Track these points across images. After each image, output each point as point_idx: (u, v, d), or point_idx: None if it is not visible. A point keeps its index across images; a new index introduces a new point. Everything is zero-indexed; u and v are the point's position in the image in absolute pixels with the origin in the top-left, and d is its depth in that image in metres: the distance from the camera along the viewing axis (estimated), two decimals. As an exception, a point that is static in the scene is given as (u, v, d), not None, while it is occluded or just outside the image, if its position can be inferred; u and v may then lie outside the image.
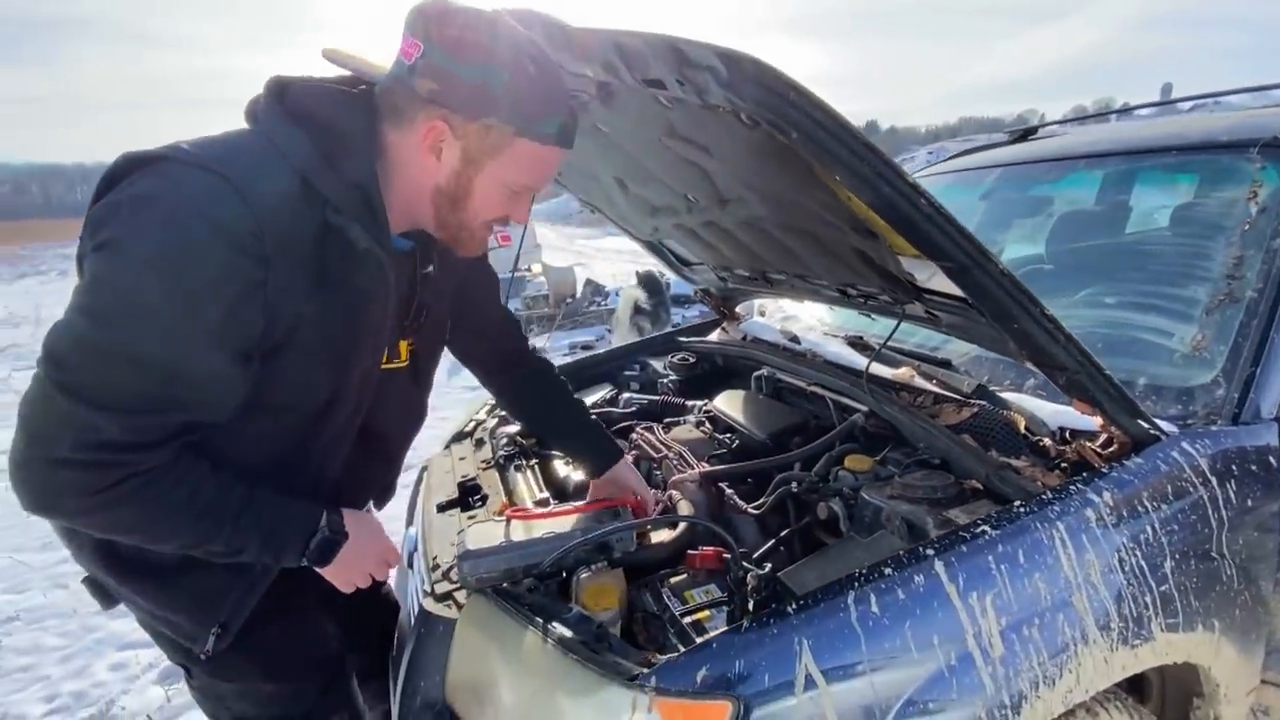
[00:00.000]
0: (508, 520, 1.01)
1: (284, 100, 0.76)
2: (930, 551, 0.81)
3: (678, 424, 1.53)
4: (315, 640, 0.98)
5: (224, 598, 0.84)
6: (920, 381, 1.28)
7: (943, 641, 0.76)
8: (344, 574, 0.88)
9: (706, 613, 0.92)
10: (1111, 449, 0.97)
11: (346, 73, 0.84)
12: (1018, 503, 0.89)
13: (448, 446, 1.59)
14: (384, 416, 0.95)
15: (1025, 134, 2.10)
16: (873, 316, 1.38)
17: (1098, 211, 1.80)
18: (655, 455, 1.37)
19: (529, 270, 8.05)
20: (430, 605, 0.99)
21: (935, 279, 1.02)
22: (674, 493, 1.22)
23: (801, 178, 0.94)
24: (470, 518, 1.21)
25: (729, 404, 1.54)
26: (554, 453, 1.42)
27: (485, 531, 1.00)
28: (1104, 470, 0.93)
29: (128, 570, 0.82)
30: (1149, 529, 0.91)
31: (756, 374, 1.61)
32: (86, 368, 0.66)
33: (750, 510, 1.19)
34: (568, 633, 0.82)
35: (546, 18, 0.80)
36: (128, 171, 0.70)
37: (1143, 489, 0.92)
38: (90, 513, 0.71)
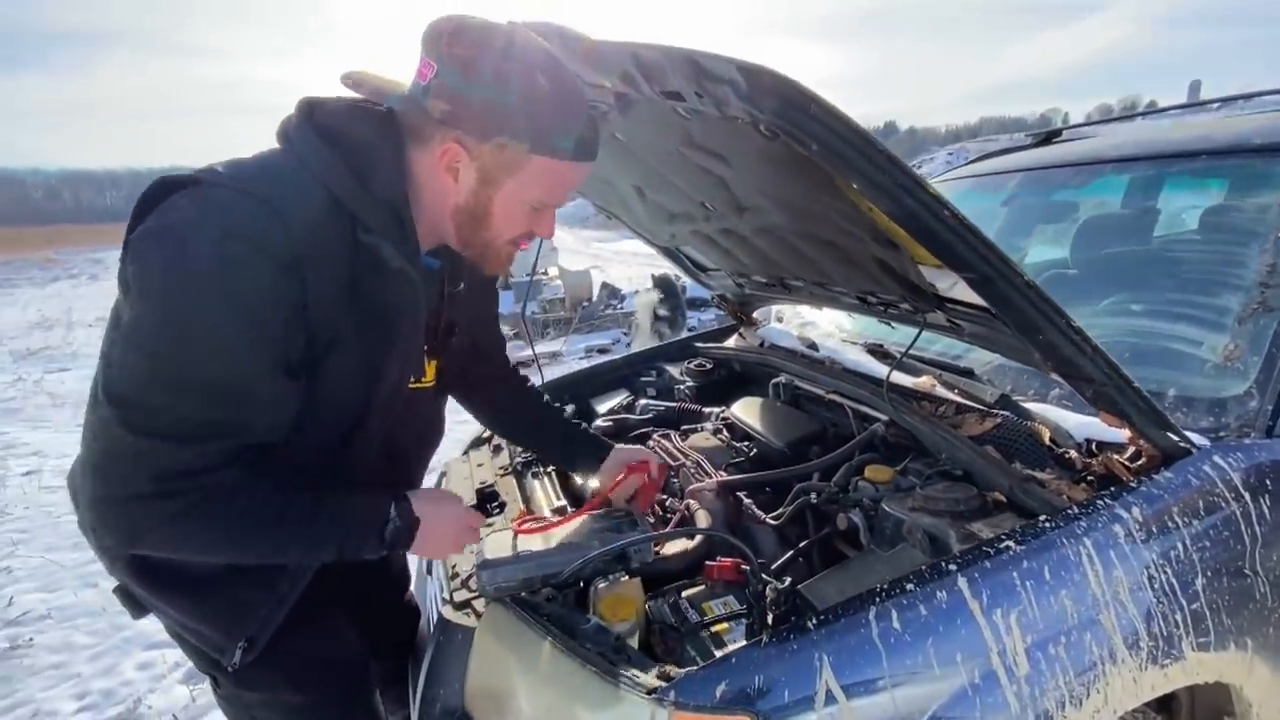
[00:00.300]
0: (515, 533, 1.01)
1: (313, 118, 0.77)
2: (953, 567, 0.80)
3: (695, 431, 1.53)
4: (340, 651, 0.99)
5: (253, 612, 0.85)
6: (942, 391, 1.27)
7: (966, 659, 0.75)
8: (431, 550, 0.91)
9: (725, 625, 0.91)
10: (1140, 462, 0.95)
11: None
12: (1043, 517, 0.88)
13: (466, 452, 1.60)
14: (406, 433, 0.95)
15: (1048, 137, 2.06)
16: (893, 324, 1.37)
17: (1123, 216, 1.76)
18: (672, 463, 1.37)
19: (545, 274, 8.10)
20: (449, 613, 1.00)
21: (957, 288, 1.00)
22: (691, 502, 1.21)
23: (821, 187, 0.94)
24: (488, 525, 1.22)
25: (746, 411, 1.53)
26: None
27: (504, 540, 1.00)
28: (1132, 484, 0.91)
29: (159, 582, 0.83)
30: (1179, 545, 0.88)
31: (774, 381, 1.60)
32: (152, 403, 0.68)
33: (769, 520, 1.18)
34: (586, 644, 0.83)
35: (564, 29, 0.80)
36: (164, 194, 0.71)
37: (1173, 504, 0.90)
38: (174, 540, 0.73)
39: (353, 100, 0.80)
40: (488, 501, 1.30)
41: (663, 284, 6.33)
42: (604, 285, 7.95)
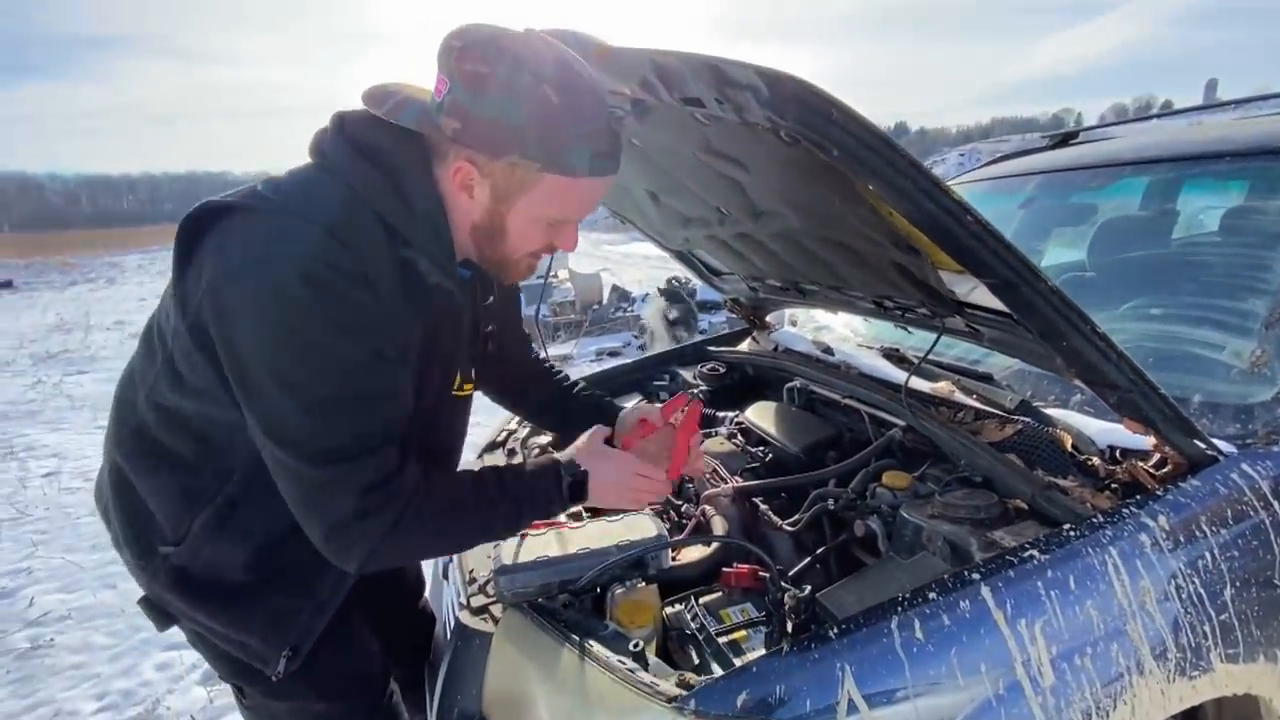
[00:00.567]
0: (520, 539, 1.01)
1: (345, 132, 0.77)
2: (976, 575, 0.79)
3: (709, 436, 1.52)
4: (364, 659, 1.00)
5: (294, 620, 0.86)
6: (960, 396, 1.26)
7: (990, 669, 0.74)
8: (613, 500, 0.93)
9: (743, 632, 0.91)
10: (1166, 470, 0.94)
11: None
12: (1067, 526, 0.86)
13: (480, 455, 1.61)
14: (438, 440, 0.96)
15: (1065, 139, 2.04)
16: (909, 329, 1.36)
17: (1142, 219, 1.74)
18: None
19: (555, 276, 8.13)
20: (466, 618, 1.00)
21: (977, 293, 0.99)
22: (707, 508, 1.21)
23: (840, 193, 0.93)
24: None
25: (761, 416, 1.53)
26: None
27: (521, 545, 1.00)
28: (1158, 492, 0.90)
29: (201, 595, 0.84)
30: (1207, 555, 0.87)
31: (788, 385, 1.59)
32: (318, 434, 0.71)
33: (785, 526, 1.18)
34: (604, 650, 0.82)
35: (582, 36, 0.80)
36: (209, 220, 0.72)
37: (1200, 512, 0.88)
38: (403, 547, 0.77)
39: (373, 115, 0.79)
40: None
41: (670, 294, 6.36)
42: (614, 288, 7.96)
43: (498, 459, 1.55)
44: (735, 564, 1.01)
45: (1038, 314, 0.82)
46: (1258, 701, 0.94)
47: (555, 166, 0.75)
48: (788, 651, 0.74)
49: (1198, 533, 0.87)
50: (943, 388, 1.29)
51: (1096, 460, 1.01)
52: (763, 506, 1.22)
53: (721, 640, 0.89)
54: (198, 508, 0.81)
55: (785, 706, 0.70)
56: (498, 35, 0.71)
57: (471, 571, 1.10)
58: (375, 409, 0.73)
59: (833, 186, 0.92)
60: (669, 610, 0.97)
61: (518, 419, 1.72)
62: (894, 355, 1.50)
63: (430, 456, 0.95)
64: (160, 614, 0.88)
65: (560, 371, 1.27)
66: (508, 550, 0.99)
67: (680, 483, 1.36)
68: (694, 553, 1.07)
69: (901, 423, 1.25)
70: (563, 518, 1.20)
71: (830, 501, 1.17)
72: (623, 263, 13.37)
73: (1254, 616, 0.88)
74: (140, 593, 0.89)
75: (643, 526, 1.04)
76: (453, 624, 1.04)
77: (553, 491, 0.86)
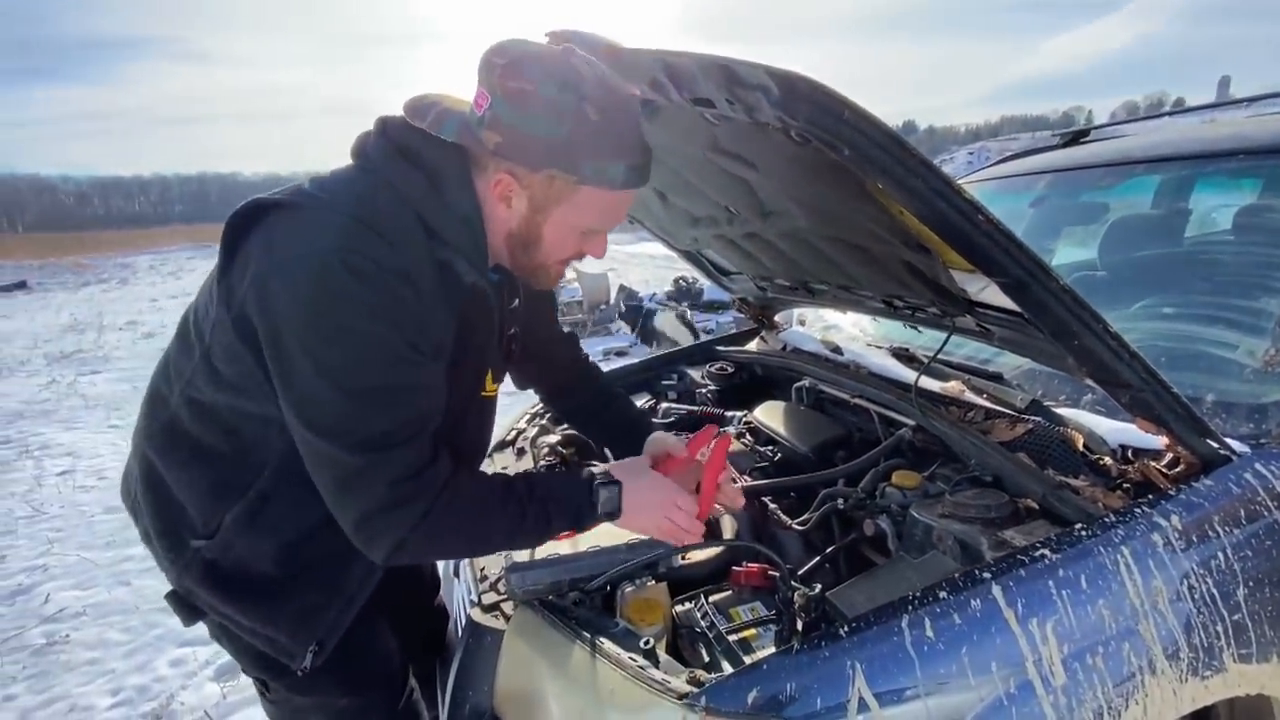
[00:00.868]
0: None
1: (387, 135, 0.79)
2: (987, 574, 0.79)
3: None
4: (387, 655, 1.01)
5: (322, 615, 0.87)
6: (970, 396, 1.25)
7: (1001, 668, 0.74)
8: (644, 522, 0.90)
9: (753, 631, 0.92)
10: (1179, 469, 0.93)
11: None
12: (1079, 525, 0.86)
13: (490, 455, 1.62)
14: (465, 438, 0.96)
15: (1076, 137, 2.03)
16: (919, 329, 1.36)
17: (1154, 217, 1.73)
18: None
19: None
20: (478, 616, 1.01)
21: (988, 292, 0.99)
22: (717, 506, 1.21)
23: (850, 192, 0.93)
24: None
25: (770, 415, 1.53)
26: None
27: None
28: (1171, 492, 0.90)
29: (231, 588, 0.85)
30: (1220, 555, 0.86)
31: (797, 385, 1.60)
32: (355, 422, 0.72)
33: (795, 526, 1.18)
34: (615, 647, 0.83)
35: (591, 37, 0.81)
36: (257, 216, 0.75)
37: (1213, 512, 0.88)
38: (425, 541, 0.77)
39: (411, 124, 0.80)
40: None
41: (674, 295, 6.47)
42: (621, 288, 7.96)
43: (506, 458, 1.56)
44: (745, 563, 1.01)
45: (1050, 313, 0.82)
46: (1270, 702, 0.93)
47: (592, 180, 0.77)
48: (798, 649, 0.74)
49: (1211, 532, 0.87)
50: (953, 387, 1.29)
51: (1108, 460, 1.01)
52: (772, 506, 1.23)
53: (731, 638, 0.90)
54: (229, 502, 0.82)
55: (796, 704, 0.71)
56: (540, 53, 0.74)
57: (483, 569, 1.11)
58: (411, 401, 0.75)
59: (842, 185, 0.92)
60: (679, 608, 0.98)
61: (527, 418, 1.73)
62: (903, 354, 1.50)
63: (458, 456, 0.97)
64: (187, 608, 0.88)
65: (600, 377, 1.26)
66: (519, 548, 0.99)
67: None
68: (704, 551, 1.08)
69: (911, 422, 1.25)
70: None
71: (840, 501, 1.18)
72: (629, 262, 13.37)
73: (1267, 616, 0.88)
74: (165, 588, 0.90)
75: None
76: (464, 621, 1.05)
77: (583, 501, 0.86)
